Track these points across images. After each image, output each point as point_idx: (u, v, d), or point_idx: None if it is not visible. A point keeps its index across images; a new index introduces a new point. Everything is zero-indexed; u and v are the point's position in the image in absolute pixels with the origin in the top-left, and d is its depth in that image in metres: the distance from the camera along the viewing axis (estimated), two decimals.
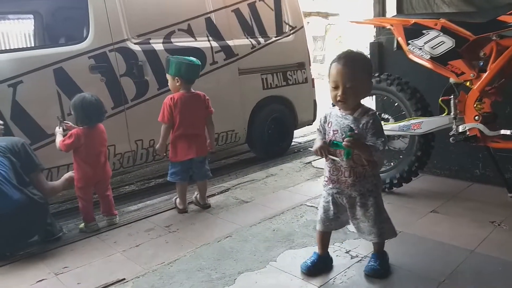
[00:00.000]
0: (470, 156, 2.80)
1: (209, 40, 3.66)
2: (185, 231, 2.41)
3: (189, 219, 2.58)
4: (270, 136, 4.14)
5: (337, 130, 1.68)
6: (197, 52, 3.48)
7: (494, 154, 2.51)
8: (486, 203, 2.46)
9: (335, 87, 1.63)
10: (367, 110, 1.67)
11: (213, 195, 2.99)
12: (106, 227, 2.55)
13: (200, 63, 2.68)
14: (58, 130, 2.54)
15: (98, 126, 2.53)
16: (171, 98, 2.60)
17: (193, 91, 2.67)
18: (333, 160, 1.69)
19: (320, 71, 11.78)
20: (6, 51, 3.35)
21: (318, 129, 1.79)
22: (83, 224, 2.52)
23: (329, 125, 1.72)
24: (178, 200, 2.75)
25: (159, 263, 2.02)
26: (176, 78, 2.61)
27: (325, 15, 13.49)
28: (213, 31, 3.70)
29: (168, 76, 2.66)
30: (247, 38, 3.95)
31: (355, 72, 1.60)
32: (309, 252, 2.00)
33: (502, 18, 2.08)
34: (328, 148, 1.65)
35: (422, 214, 2.36)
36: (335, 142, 1.64)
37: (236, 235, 2.27)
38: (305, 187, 3.05)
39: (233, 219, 2.52)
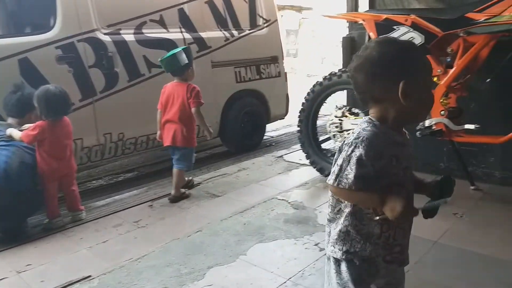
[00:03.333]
0: (435, 150, 2.88)
1: (181, 32, 3.60)
2: (155, 226, 2.37)
3: (158, 214, 2.55)
4: (242, 130, 4.13)
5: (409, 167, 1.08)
6: (170, 43, 3.41)
7: (458, 148, 2.59)
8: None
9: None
10: None
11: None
12: (71, 223, 2.47)
13: (171, 55, 2.66)
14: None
15: (63, 119, 2.45)
16: (164, 87, 2.79)
17: (182, 82, 2.73)
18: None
19: (293, 65, 11.83)
20: None
21: (363, 175, 0.99)
22: (47, 220, 2.44)
23: (393, 160, 1.02)
24: None
25: (127, 259, 1.98)
26: None
27: (299, 9, 13.52)
28: (186, 23, 3.63)
29: None
30: (221, 31, 3.91)
31: None
32: (279, 245, 2.01)
33: (470, 15, 2.14)
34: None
35: None
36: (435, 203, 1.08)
37: (207, 229, 2.26)
38: (276, 180, 3.07)
39: (204, 214, 2.50)
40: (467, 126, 2.26)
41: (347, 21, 3.05)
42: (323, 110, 3.07)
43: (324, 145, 3.13)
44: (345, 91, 3.05)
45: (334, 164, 1.02)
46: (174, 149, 2.77)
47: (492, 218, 2.20)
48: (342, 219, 1.05)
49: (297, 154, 3.59)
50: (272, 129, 5.30)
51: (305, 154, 3.07)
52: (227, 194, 2.81)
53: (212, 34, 3.82)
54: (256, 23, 4.24)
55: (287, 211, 2.45)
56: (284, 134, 5.02)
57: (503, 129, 2.21)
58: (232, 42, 3.98)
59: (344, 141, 1.03)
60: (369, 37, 2.58)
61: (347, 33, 3.25)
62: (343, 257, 1.05)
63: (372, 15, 2.54)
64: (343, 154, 1.00)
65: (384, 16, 2.47)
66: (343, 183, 0.99)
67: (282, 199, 2.63)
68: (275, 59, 4.39)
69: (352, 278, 1.04)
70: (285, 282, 1.73)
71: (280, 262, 1.89)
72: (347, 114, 2.76)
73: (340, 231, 1.05)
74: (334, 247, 1.06)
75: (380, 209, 0.99)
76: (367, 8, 2.99)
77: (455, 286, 1.63)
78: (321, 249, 1.96)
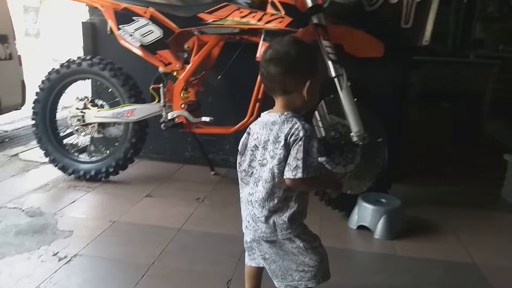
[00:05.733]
0: (181, 140, 3.06)
1: None
2: None
3: None
4: None
5: None
6: None
7: (199, 138, 2.83)
8: (194, 182, 2.75)
9: None
10: None
11: None
12: None
13: None
14: None
15: None
16: None
17: None
18: None
19: (34, 46, 10.32)
20: None
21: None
22: None
23: None
24: None
25: None
26: None
27: None
28: None
29: None
30: None
31: None
32: (7, 263, 1.69)
33: (202, 15, 2.30)
34: None
35: (137, 200, 2.41)
36: None
37: None
38: (8, 185, 2.59)
39: None
40: (204, 119, 2.47)
41: (86, 5, 2.81)
42: (65, 101, 2.78)
43: (67, 141, 2.85)
44: (88, 81, 2.84)
45: (291, 160, 1.14)
46: None
47: (228, 199, 2.48)
48: (290, 204, 1.20)
49: (37, 152, 3.13)
50: (6, 122, 4.48)
51: (44, 152, 2.71)
52: None
53: None
54: None
55: (19, 221, 2.09)
56: (22, 127, 4.31)
57: (234, 120, 2.51)
58: None
59: (286, 138, 1.14)
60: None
61: (88, 18, 3.01)
62: (295, 234, 1.22)
63: (112, 2, 2.42)
64: (300, 148, 1.12)
65: (124, 5, 2.40)
66: (309, 173, 1.13)
67: (14, 207, 2.24)
68: (4, 39, 3.67)
69: (308, 245, 1.24)
70: None
71: (9, 284, 1.59)
72: (89, 106, 2.58)
73: (290, 214, 1.20)
74: (290, 229, 1.21)
75: (329, 188, 1.32)
76: None
77: (199, 268, 1.74)
78: (61, 259, 1.76)
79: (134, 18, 2.39)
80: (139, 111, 2.47)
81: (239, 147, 1.26)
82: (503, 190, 2.74)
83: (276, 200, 1.19)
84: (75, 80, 2.62)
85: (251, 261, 1.39)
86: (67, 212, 2.21)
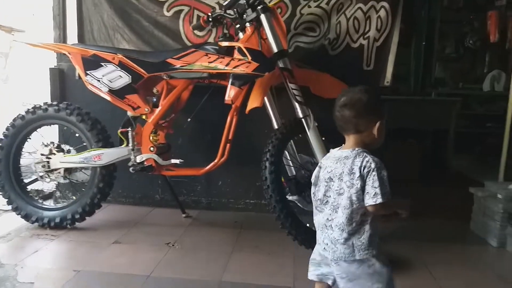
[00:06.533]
0: (151, 183, 3.01)
1: None
2: None
3: None
4: None
5: None
6: None
7: (169, 181, 2.80)
8: (165, 226, 2.68)
9: None
10: None
11: None
12: None
13: None
14: None
15: None
16: None
17: None
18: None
19: (2, 91, 10.13)
20: None
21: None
22: None
23: None
24: None
25: None
26: None
27: (9, 30, 11.84)
28: None
29: None
30: None
31: None
32: None
33: (170, 60, 2.35)
34: None
35: (105, 247, 2.32)
36: None
37: None
38: None
39: None
40: (173, 161, 2.46)
41: (54, 52, 2.83)
42: (30, 147, 2.71)
43: (31, 187, 2.76)
44: (55, 126, 2.79)
45: (369, 188, 1.33)
46: None
47: (200, 242, 2.43)
48: (366, 228, 1.37)
49: (0, 199, 3.01)
50: None
51: (6, 199, 2.60)
52: None
53: None
54: None
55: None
56: None
57: (204, 161, 2.51)
58: None
59: (360, 169, 1.34)
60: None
61: (55, 64, 3.02)
62: (374, 253, 1.37)
63: (79, 49, 2.45)
64: (375, 178, 1.32)
65: (92, 51, 2.42)
66: (386, 198, 1.32)
67: None
68: None
69: (383, 265, 1.39)
70: None
71: None
72: (55, 151, 2.53)
73: (368, 237, 1.37)
74: (368, 250, 1.37)
75: (398, 211, 1.42)
76: (76, 42, 2.87)
77: None
78: None
79: (102, 64, 2.41)
80: (107, 155, 2.43)
81: (312, 179, 1.48)
82: (471, 223, 2.81)
83: (354, 224, 1.37)
84: (41, 126, 2.58)
85: (329, 279, 1.48)
86: (28, 263, 2.10)
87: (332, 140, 2.41)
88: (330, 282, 1.47)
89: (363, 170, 1.35)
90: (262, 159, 2.23)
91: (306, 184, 2.34)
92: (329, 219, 1.41)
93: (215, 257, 2.24)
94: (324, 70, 2.48)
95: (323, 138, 2.32)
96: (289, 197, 2.31)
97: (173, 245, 2.38)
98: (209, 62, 2.24)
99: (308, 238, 2.22)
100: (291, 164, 2.43)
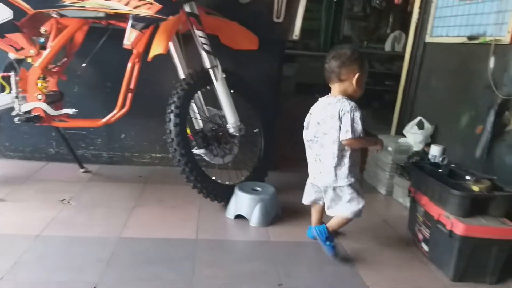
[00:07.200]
0: (45, 136, 2.72)
1: None
2: None
3: None
4: None
5: None
6: None
7: (64, 133, 2.56)
8: (60, 181, 2.47)
9: None
10: None
11: None
12: None
13: None
14: None
15: None
16: None
17: None
18: None
19: None
20: None
21: (363, 127, 1.79)
22: None
23: None
24: None
25: None
26: None
27: None
28: None
29: None
30: None
31: None
32: None
33: None
34: None
35: None
36: None
37: None
38: None
39: None
40: (65, 111, 2.23)
41: None
42: None
43: None
44: None
45: (343, 126, 1.69)
46: None
47: (99, 199, 2.29)
48: (346, 160, 1.75)
49: None
50: None
51: None
52: None
53: None
54: None
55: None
56: None
57: (104, 112, 2.30)
58: None
59: (339, 113, 1.70)
60: None
61: None
62: (353, 180, 1.78)
63: None
64: (347, 118, 1.68)
65: None
66: (356, 134, 1.69)
67: None
68: None
69: (358, 188, 1.83)
70: None
71: None
72: None
73: (348, 168, 1.75)
74: (347, 178, 1.76)
75: (374, 145, 1.88)
76: None
77: (58, 278, 1.55)
78: None
79: None
80: None
81: (305, 124, 1.84)
82: (364, 173, 3.04)
83: (336, 158, 1.74)
84: None
85: (320, 201, 1.92)
86: None
87: (243, 94, 2.40)
88: (321, 203, 1.90)
89: (341, 113, 1.69)
90: (167, 111, 2.11)
91: (213, 137, 2.31)
92: (318, 154, 1.80)
93: (115, 213, 2.13)
94: (233, 19, 2.38)
95: (232, 91, 2.27)
96: (196, 151, 2.25)
97: (68, 202, 2.20)
98: (105, 0, 2.00)
99: (214, 191, 2.22)
100: (198, 117, 2.36)
